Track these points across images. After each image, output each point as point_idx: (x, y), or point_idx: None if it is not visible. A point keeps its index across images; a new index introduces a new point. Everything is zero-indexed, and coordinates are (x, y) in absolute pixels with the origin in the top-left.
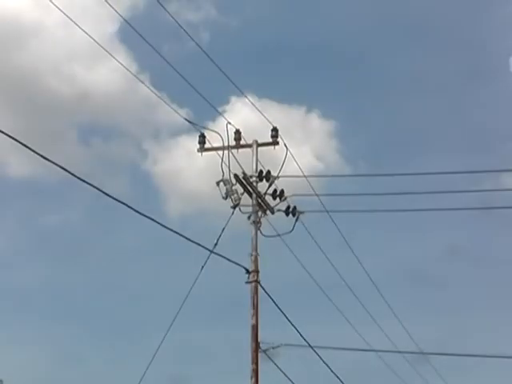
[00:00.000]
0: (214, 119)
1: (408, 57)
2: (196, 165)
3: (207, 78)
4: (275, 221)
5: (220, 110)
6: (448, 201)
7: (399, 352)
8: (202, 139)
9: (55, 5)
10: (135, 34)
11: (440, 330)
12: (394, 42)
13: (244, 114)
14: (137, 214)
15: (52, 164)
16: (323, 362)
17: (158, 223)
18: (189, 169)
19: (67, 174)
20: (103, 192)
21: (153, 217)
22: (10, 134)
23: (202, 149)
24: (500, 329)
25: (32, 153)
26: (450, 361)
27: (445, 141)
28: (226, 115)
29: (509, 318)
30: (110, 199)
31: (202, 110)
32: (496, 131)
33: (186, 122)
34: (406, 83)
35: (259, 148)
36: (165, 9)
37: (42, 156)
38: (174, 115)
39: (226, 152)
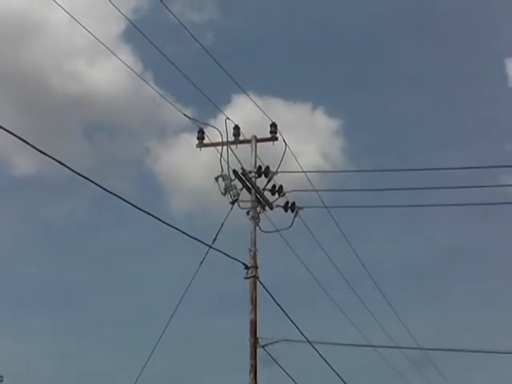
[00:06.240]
0: (215, 116)
1: (412, 54)
2: (196, 161)
3: (211, 77)
4: (274, 216)
5: (222, 108)
6: (450, 197)
7: (398, 348)
8: (201, 135)
9: (59, 5)
10: (139, 35)
11: (439, 328)
12: (399, 40)
13: (246, 112)
14: (137, 209)
15: (55, 162)
16: (322, 357)
17: (157, 219)
18: (190, 165)
19: (70, 171)
20: (103, 188)
21: (153, 212)
22: (14, 132)
23: (201, 144)
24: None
25: (36, 151)
26: (448, 358)
27: (449, 138)
28: (228, 113)
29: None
30: (111, 195)
31: (205, 108)
32: (498, 128)
33: (189, 121)
34: (411, 81)
35: (261, 144)
36: (168, 9)
37: (44, 153)
38: (177, 114)
39: (224, 147)
